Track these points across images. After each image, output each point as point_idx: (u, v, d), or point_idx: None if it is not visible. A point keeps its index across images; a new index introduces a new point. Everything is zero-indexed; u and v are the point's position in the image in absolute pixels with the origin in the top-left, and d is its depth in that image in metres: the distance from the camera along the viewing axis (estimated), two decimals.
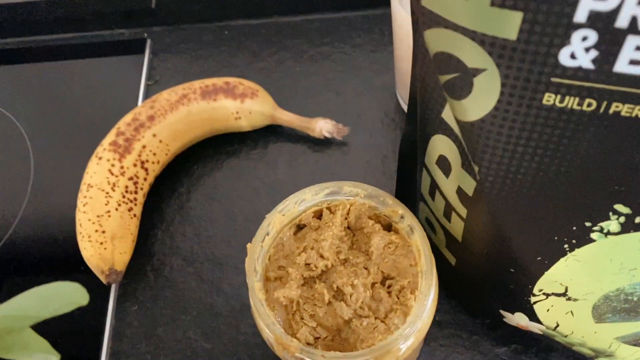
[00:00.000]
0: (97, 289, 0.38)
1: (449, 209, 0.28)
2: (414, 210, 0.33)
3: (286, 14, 0.49)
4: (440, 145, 0.25)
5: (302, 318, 0.28)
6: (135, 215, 0.38)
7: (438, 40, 0.20)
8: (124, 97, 0.46)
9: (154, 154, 0.39)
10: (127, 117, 0.40)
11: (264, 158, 0.43)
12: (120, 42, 0.50)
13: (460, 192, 0.25)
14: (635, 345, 0.28)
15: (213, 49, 0.48)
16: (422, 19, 0.20)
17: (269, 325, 0.26)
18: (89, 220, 0.36)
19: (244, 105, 0.41)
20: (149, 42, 0.49)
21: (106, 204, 0.36)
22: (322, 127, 0.42)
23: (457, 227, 0.28)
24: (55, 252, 0.39)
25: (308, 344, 0.27)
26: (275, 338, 0.26)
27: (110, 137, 0.39)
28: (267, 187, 0.41)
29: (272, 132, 0.43)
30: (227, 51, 0.48)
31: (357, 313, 0.27)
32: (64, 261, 0.39)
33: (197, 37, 0.49)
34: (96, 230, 0.36)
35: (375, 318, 0.27)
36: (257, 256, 0.28)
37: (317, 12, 0.49)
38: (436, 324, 0.36)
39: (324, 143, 0.43)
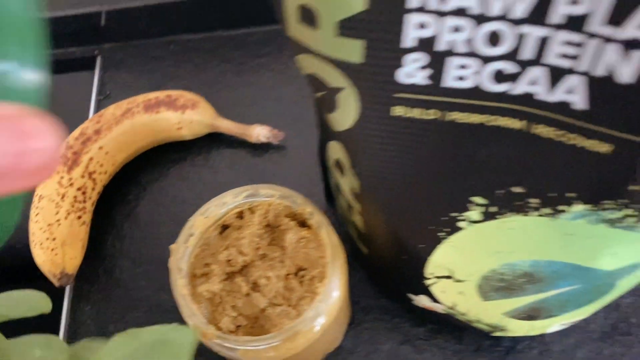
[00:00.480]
0: (52, 292, 0.41)
1: (349, 206, 0.31)
2: (336, 206, 0.36)
3: (227, 28, 0.52)
4: (334, 150, 0.29)
5: (224, 309, 0.31)
6: (84, 222, 0.41)
7: (306, 64, 0.24)
8: (76, 112, 0.49)
9: (101, 165, 0.42)
10: (75, 132, 0.43)
11: (207, 164, 0.46)
12: (71, 59, 0.53)
13: (352, 190, 0.29)
14: (522, 319, 0.32)
15: (160, 63, 0.52)
16: (292, 46, 0.24)
17: (189, 316, 0.29)
18: (40, 229, 0.39)
19: (185, 116, 0.44)
20: (99, 59, 0.52)
21: (56, 214, 0.39)
22: (259, 132, 0.45)
23: (358, 221, 0.31)
24: (13, 260, 0.42)
25: (230, 331, 0.30)
26: (195, 327, 0.29)
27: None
28: (210, 191, 0.44)
29: (214, 140, 0.47)
30: (173, 65, 0.51)
31: (272, 302, 0.31)
32: (22, 269, 0.42)
33: (144, 53, 0.52)
34: (47, 238, 0.39)
35: (288, 305, 0.30)
36: (181, 256, 0.31)
37: (257, 26, 0.52)
38: (361, 309, 0.39)
39: (262, 148, 0.46)
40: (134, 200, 0.45)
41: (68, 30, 0.52)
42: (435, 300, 0.33)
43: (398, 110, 0.23)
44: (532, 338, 0.37)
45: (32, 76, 0.14)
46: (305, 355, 0.32)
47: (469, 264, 0.29)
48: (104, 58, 0.53)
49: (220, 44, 0.52)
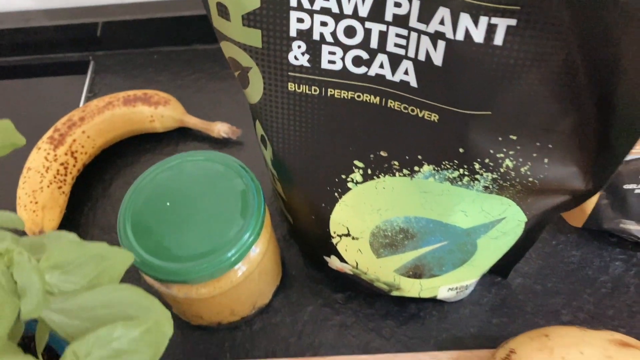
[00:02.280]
0: None
1: (272, 175, 0.38)
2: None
3: (203, 43, 0.61)
4: (258, 128, 0.36)
5: None
6: (64, 192, 0.48)
7: (226, 48, 0.31)
8: (68, 106, 0.57)
9: (83, 147, 0.50)
10: (64, 118, 0.51)
11: (174, 153, 0.53)
12: (69, 63, 0.61)
13: (270, 160, 0.36)
14: (410, 277, 0.39)
15: (143, 69, 0.60)
16: (217, 35, 0.31)
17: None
18: (26, 193, 0.46)
19: (157, 110, 0.52)
20: (92, 63, 0.61)
21: (40, 182, 0.47)
22: (220, 128, 0.53)
23: (280, 189, 0.39)
24: None
25: None
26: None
27: (49, 133, 0.50)
28: None
29: (182, 134, 0.54)
30: (154, 72, 0.60)
31: None
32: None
33: (131, 60, 0.61)
34: (30, 202, 0.46)
35: None
36: None
37: None
38: (292, 277, 0.46)
39: (223, 142, 0.54)
40: (109, 180, 0.52)
41: (67, 38, 0.61)
42: (343, 260, 0.40)
43: (291, 86, 0.30)
44: (433, 307, 0.44)
45: None
46: (235, 298, 0.39)
47: (359, 222, 0.36)
48: (96, 63, 0.61)
49: (196, 56, 0.60)
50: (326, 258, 0.41)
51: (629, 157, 0.39)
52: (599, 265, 0.45)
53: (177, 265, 0.35)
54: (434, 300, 0.44)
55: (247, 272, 0.38)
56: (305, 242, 0.43)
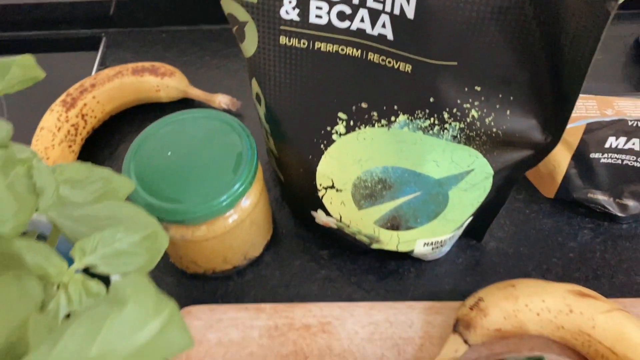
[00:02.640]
0: None
1: (266, 132, 0.42)
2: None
3: (209, 23, 0.65)
4: (254, 86, 0.40)
5: None
6: (73, 151, 0.52)
7: (226, 5, 0.35)
8: (80, 79, 0.61)
9: (93, 111, 0.54)
10: (76, 85, 0.54)
11: None
12: (83, 39, 0.65)
13: (264, 115, 0.40)
14: (388, 229, 0.42)
15: (152, 46, 0.64)
16: None
17: None
18: (38, 150, 0.50)
19: (163, 81, 0.56)
20: (104, 39, 0.65)
21: (52, 140, 0.51)
22: (221, 100, 0.56)
23: (272, 145, 0.42)
24: None
25: None
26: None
27: (62, 97, 0.53)
28: None
29: (185, 104, 0.58)
30: (162, 49, 0.63)
31: None
32: None
33: (141, 38, 0.65)
34: (42, 157, 0.50)
35: None
36: None
37: None
38: (283, 235, 0.49)
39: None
40: (115, 144, 0.56)
41: (82, 15, 0.65)
42: (328, 213, 0.43)
43: (282, 40, 0.34)
44: (411, 264, 0.47)
45: None
46: (227, 245, 0.42)
47: (342, 173, 0.39)
48: (108, 40, 0.65)
49: (202, 35, 0.64)
50: (313, 213, 0.44)
51: (591, 121, 0.42)
52: (569, 232, 0.48)
53: (175, 206, 0.38)
54: (412, 258, 0.47)
55: (238, 220, 0.41)
56: (294, 199, 0.46)
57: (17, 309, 0.23)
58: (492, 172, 0.37)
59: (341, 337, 0.43)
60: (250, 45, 0.35)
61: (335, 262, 0.48)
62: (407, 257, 0.47)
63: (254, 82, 0.39)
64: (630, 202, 0.46)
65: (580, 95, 0.44)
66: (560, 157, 0.45)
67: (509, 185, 0.40)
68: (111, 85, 0.55)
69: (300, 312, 0.44)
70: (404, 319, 0.43)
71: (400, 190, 0.38)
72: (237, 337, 0.43)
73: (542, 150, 0.35)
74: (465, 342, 0.40)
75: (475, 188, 0.38)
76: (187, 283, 0.47)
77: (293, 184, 0.44)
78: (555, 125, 0.33)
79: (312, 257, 0.48)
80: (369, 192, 0.39)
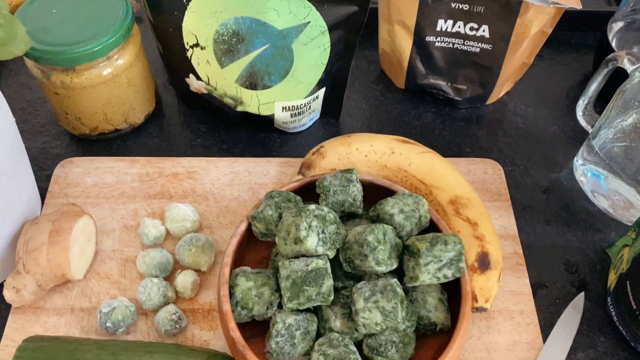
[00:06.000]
0: None
1: (144, 3, 0.48)
2: None
3: None
4: None
5: None
6: None
7: None
8: None
9: None
10: None
11: None
12: None
13: None
14: (247, 88, 0.48)
15: None
16: None
17: None
18: None
19: None
20: None
21: None
22: None
23: (148, 13, 0.48)
24: None
25: None
26: None
27: None
28: None
29: None
30: None
31: None
32: None
33: None
34: None
35: None
36: None
37: None
38: (166, 110, 0.55)
39: None
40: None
41: None
42: (198, 77, 0.49)
43: None
44: (277, 136, 0.54)
45: None
46: (105, 100, 0.48)
47: (203, 28, 0.45)
48: None
49: None
50: (187, 80, 0.51)
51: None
52: (414, 115, 0.56)
53: (54, 48, 0.44)
54: (278, 131, 0.54)
55: (113, 73, 0.47)
56: (171, 69, 0.52)
57: None
58: (325, 26, 0.44)
59: (204, 182, 0.49)
60: None
61: (211, 134, 0.54)
62: (273, 129, 0.54)
63: None
64: (464, 86, 0.54)
65: None
66: (404, 43, 0.52)
67: (348, 50, 0.47)
68: None
69: (170, 164, 0.50)
70: (261, 169, 0.50)
71: (251, 43, 0.45)
72: (112, 181, 0.49)
73: (363, 4, 0.43)
74: None
75: (315, 44, 0.45)
76: (75, 145, 0.52)
77: (168, 50, 0.50)
78: None
79: (190, 129, 0.54)
80: (227, 47, 0.46)
